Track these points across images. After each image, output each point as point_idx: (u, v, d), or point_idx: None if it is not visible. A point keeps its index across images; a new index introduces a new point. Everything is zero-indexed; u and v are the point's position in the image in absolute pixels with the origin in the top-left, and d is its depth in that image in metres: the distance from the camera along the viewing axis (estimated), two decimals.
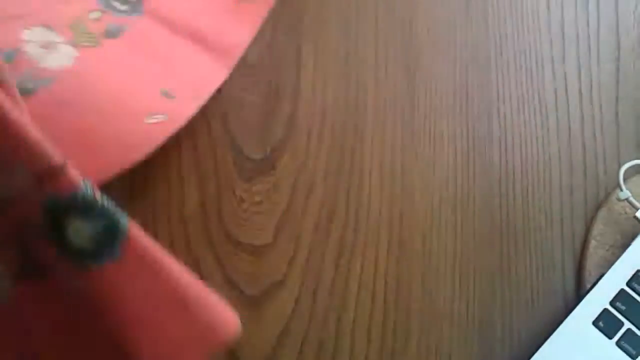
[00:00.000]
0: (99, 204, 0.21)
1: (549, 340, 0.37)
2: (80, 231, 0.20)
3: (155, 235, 0.43)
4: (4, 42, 0.33)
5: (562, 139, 0.47)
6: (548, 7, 0.51)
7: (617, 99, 0.48)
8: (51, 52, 0.35)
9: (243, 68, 0.48)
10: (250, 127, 0.47)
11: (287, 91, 0.48)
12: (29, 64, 0.33)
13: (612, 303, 0.38)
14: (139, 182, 0.44)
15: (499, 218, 0.44)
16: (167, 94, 0.40)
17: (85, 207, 0.20)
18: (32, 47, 0.34)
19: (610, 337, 0.38)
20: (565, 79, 0.49)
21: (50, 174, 0.19)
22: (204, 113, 0.47)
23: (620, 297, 0.39)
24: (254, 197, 0.45)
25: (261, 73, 0.48)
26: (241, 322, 0.41)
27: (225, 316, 0.26)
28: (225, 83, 0.48)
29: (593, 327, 0.38)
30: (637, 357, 0.37)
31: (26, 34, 0.35)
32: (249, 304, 0.41)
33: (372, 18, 0.50)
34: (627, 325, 0.38)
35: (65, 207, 0.20)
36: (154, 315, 0.23)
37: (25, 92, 0.31)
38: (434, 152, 0.46)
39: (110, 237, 0.21)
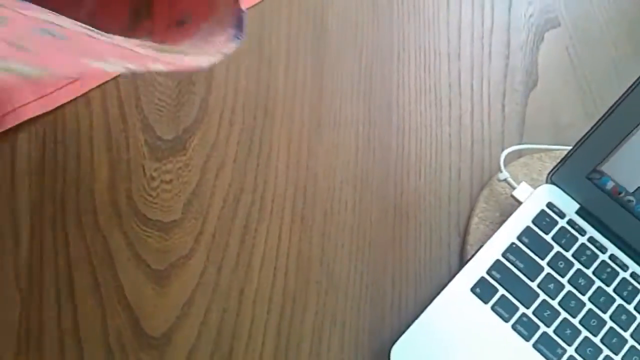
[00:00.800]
0: None
1: (431, 305, 0.41)
2: None
3: (63, 209, 0.44)
4: None
5: (454, 127, 0.51)
6: (448, 8, 0.55)
7: (504, 92, 0.53)
8: None
9: None
10: (164, 109, 0.48)
11: (201, 75, 0.50)
12: None
13: (488, 272, 0.42)
14: (48, 156, 0.45)
15: (394, 197, 0.47)
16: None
17: None
18: None
19: (485, 302, 0.42)
20: (459, 73, 0.53)
21: None
22: (118, 95, 0.48)
23: (496, 267, 0.43)
24: (164, 175, 0.46)
25: None
26: (147, 295, 0.42)
27: None
28: None
29: (471, 293, 0.42)
30: (509, 320, 0.41)
31: None
32: (156, 277, 0.43)
33: (285, 9, 0.52)
34: (502, 291, 0.42)
35: None
36: None
37: None
38: (338, 136, 0.49)
39: None
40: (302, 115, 0.49)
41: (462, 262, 0.45)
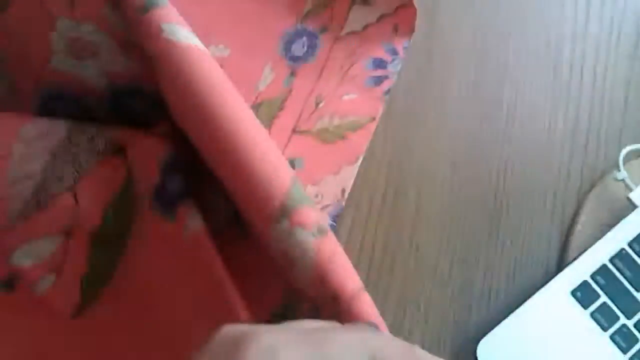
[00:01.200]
0: None
1: (526, 302, 0.38)
2: None
3: None
4: None
5: (569, 113, 0.47)
6: None
7: (629, 82, 0.48)
8: None
9: None
10: None
11: None
12: None
13: (592, 276, 0.39)
14: None
15: (495, 183, 0.45)
16: None
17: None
18: None
19: (585, 308, 0.39)
20: (583, 56, 0.49)
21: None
22: None
23: (601, 272, 0.39)
24: None
25: None
26: None
27: None
28: None
29: (570, 296, 0.39)
30: (607, 329, 0.39)
31: None
32: None
33: None
34: (604, 298, 0.39)
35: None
36: None
37: None
38: (441, 115, 0.46)
39: None
40: (405, 92, 0.47)
41: (562, 262, 0.42)
